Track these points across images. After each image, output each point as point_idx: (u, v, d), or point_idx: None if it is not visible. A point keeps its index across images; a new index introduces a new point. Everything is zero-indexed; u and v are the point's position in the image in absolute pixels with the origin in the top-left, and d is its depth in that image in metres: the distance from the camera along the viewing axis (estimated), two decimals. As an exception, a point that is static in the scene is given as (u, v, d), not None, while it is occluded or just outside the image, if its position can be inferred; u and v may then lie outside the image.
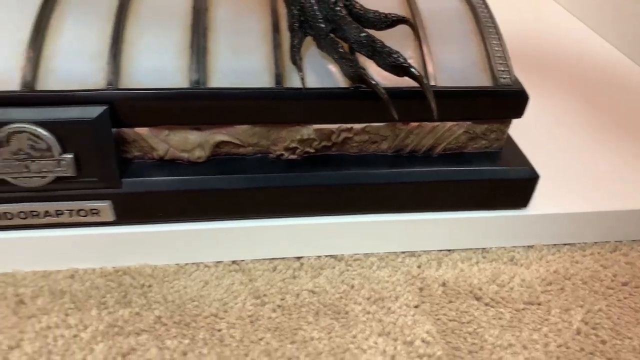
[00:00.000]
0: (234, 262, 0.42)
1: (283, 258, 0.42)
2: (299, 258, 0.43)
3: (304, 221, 0.41)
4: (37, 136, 0.35)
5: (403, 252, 0.44)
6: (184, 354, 0.35)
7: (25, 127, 0.34)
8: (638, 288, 0.42)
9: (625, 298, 0.41)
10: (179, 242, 0.41)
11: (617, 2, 0.72)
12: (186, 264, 0.41)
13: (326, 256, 0.43)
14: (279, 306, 0.39)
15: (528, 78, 0.62)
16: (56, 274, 0.40)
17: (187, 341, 0.36)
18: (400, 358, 0.36)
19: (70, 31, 0.38)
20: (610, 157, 0.50)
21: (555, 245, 0.45)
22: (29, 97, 0.35)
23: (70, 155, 0.35)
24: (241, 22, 0.40)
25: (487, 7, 0.44)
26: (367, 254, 0.43)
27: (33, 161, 0.35)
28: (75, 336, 0.36)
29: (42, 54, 0.36)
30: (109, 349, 0.35)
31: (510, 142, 0.45)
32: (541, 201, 0.44)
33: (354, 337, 0.37)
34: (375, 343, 0.37)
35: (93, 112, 0.35)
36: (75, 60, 0.37)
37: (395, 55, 0.36)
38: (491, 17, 0.43)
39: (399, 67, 0.36)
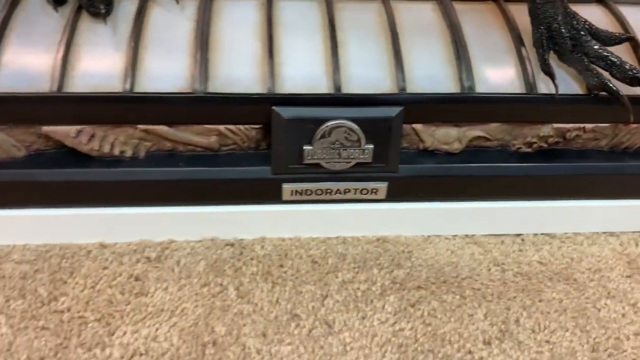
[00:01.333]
0: (466, 235, 0.51)
1: (507, 234, 0.51)
2: (518, 235, 0.51)
3: (527, 204, 0.50)
4: (352, 130, 0.43)
5: (604, 232, 0.52)
6: (459, 306, 0.44)
7: (344, 123, 0.43)
8: None
9: None
10: (426, 217, 0.49)
11: None
12: (429, 236, 0.50)
13: (542, 234, 0.51)
14: (518, 273, 0.47)
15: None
16: (330, 240, 0.49)
17: (457, 297, 0.45)
18: (629, 316, 0.44)
19: (355, 45, 0.46)
20: None
21: None
22: (341, 99, 0.44)
23: (371, 146, 0.44)
24: (488, 37, 0.48)
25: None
26: (575, 233, 0.51)
27: (345, 150, 0.44)
28: (368, 289, 0.45)
29: (339, 63, 0.45)
30: (399, 299, 0.44)
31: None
32: None
33: (587, 298, 0.46)
34: (606, 304, 0.45)
35: (392, 111, 0.44)
36: (367, 68, 0.45)
37: (634, 70, 0.44)
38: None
39: (635, 79, 0.44)
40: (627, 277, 0.48)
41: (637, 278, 0.48)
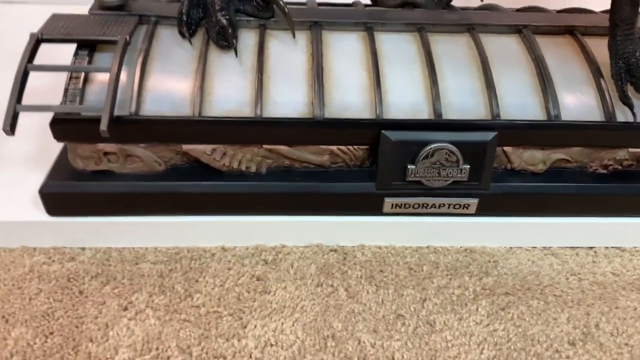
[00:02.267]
0: (544, 247, 0.56)
1: (581, 247, 0.56)
2: (591, 248, 0.56)
3: (600, 220, 0.55)
4: (452, 152, 0.49)
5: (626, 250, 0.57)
6: (544, 310, 0.49)
7: (446, 145, 0.49)
8: None
9: None
10: (510, 230, 0.55)
11: None
12: (512, 247, 0.56)
13: (613, 247, 0.56)
14: (594, 282, 0.53)
15: None
16: (422, 249, 0.55)
17: (542, 302, 0.50)
18: (698, 324, 0.49)
19: (450, 75, 0.52)
20: None
21: None
22: (442, 124, 0.50)
23: (468, 166, 0.50)
24: (569, 69, 0.53)
25: None
26: (608, 247, 0.56)
27: (444, 169, 0.50)
28: (462, 294, 0.50)
29: (438, 91, 0.51)
30: (491, 304, 0.50)
31: None
32: None
33: (659, 307, 0.51)
34: (677, 312, 0.50)
35: (488, 136, 0.49)
36: (463, 96, 0.51)
37: None
38: None
39: None
40: (695, 288, 0.53)
41: None
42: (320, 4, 0.61)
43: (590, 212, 0.55)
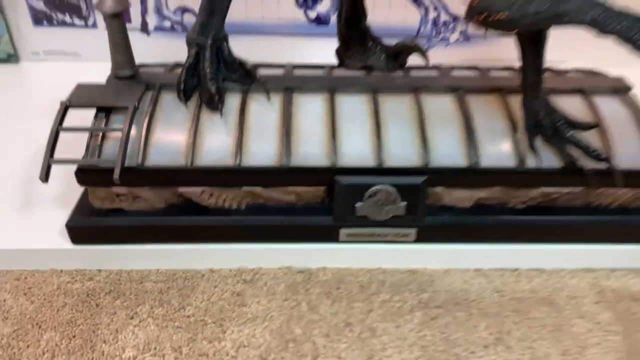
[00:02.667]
0: (476, 269, 0.67)
1: (506, 269, 0.68)
2: (515, 269, 0.68)
3: (521, 246, 0.67)
4: (391, 192, 0.62)
5: (583, 269, 0.68)
6: (467, 320, 0.61)
7: (386, 187, 0.61)
8: None
9: None
10: (445, 255, 0.67)
11: None
12: (448, 269, 0.67)
13: (534, 269, 0.68)
14: (513, 297, 0.64)
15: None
16: (373, 270, 0.67)
17: (466, 313, 0.61)
18: (593, 332, 0.60)
19: (393, 130, 0.65)
20: None
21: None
22: (383, 170, 0.62)
23: (405, 203, 0.62)
24: (492, 122, 0.66)
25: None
26: (560, 268, 0.68)
27: (386, 206, 0.62)
28: (401, 307, 0.62)
29: (382, 143, 0.63)
30: (424, 315, 0.61)
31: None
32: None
33: (564, 317, 0.62)
34: (577, 322, 0.61)
35: (420, 180, 0.62)
36: (402, 147, 0.63)
37: (596, 152, 0.61)
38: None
39: (597, 158, 0.61)
40: (596, 303, 0.63)
41: (604, 304, 0.63)
42: (295, 67, 0.74)
43: (512, 239, 0.66)
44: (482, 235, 0.66)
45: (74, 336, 0.58)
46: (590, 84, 0.71)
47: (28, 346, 0.57)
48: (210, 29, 0.65)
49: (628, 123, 0.66)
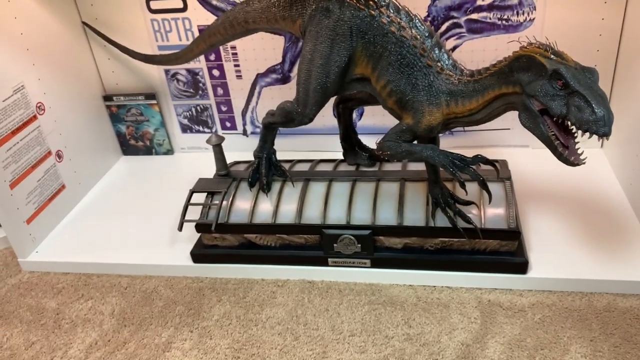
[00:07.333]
0: (410, 285, 1.14)
1: (427, 285, 1.13)
2: (434, 286, 1.13)
3: (432, 272, 1.12)
4: (351, 239, 1.12)
5: (470, 287, 1.11)
6: (392, 312, 1.08)
7: (349, 236, 1.12)
8: None
9: None
10: (389, 275, 1.15)
11: None
12: (392, 284, 1.15)
13: (444, 286, 1.12)
14: (425, 302, 1.10)
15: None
16: (347, 282, 1.16)
17: (390, 310, 1.09)
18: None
19: (359, 202, 1.15)
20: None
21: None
22: (349, 226, 1.13)
23: (360, 245, 1.13)
24: (416, 199, 1.13)
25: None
26: (456, 286, 1.11)
27: (349, 246, 1.13)
28: (351, 304, 1.11)
29: (351, 211, 1.14)
30: (368, 309, 1.10)
31: (520, 245, 1.10)
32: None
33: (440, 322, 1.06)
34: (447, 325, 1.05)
35: (367, 232, 1.12)
36: (361, 213, 1.14)
37: (468, 219, 1.06)
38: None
39: (470, 223, 1.06)
40: (475, 307, 1.07)
41: (479, 308, 1.06)
42: (321, 160, 1.29)
43: (428, 268, 1.12)
44: (410, 265, 1.13)
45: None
46: (488, 174, 1.16)
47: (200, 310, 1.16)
48: (265, 149, 1.22)
49: (499, 200, 1.10)
